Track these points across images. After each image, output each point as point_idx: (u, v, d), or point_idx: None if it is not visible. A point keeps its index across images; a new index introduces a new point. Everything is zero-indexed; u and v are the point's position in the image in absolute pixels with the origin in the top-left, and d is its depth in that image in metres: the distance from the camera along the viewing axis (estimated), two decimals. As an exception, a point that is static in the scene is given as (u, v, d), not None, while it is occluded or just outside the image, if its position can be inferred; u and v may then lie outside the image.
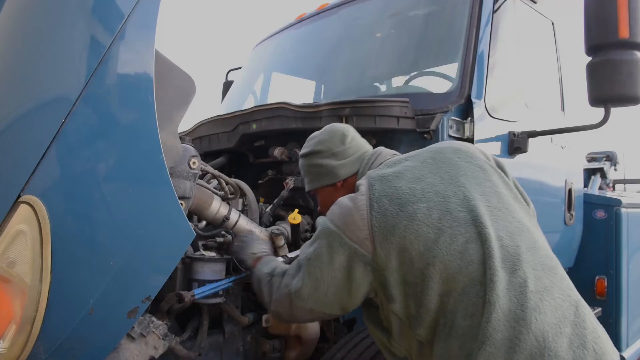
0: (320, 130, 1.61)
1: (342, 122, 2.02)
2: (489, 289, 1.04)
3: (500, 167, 1.36)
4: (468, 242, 1.11)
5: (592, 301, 3.06)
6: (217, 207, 1.76)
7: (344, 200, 1.28)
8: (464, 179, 1.23)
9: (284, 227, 1.95)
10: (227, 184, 1.88)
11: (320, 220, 1.31)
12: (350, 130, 1.59)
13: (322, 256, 1.24)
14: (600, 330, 1.07)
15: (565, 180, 2.74)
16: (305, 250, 1.33)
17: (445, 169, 1.26)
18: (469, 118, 2.04)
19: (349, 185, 1.50)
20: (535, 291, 1.04)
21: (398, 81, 2.63)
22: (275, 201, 2.09)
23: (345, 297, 1.25)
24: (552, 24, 2.79)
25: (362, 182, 1.29)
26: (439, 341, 1.10)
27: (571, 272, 3.05)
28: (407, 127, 1.97)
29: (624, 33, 1.78)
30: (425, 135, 1.96)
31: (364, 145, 1.58)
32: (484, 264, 1.07)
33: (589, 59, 1.89)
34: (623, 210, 3.12)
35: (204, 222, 1.91)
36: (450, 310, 1.09)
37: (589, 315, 1.08)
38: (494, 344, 1.00)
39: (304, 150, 1.62)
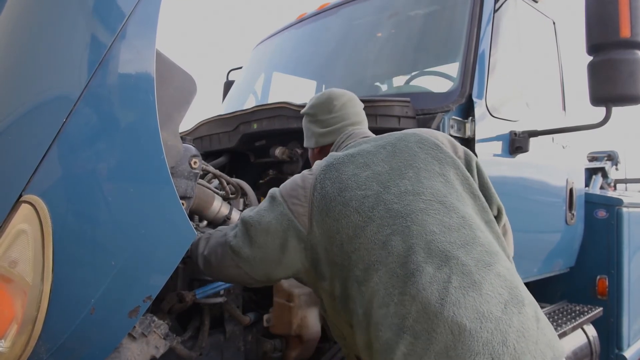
0: (320, 93, 1.65)
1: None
2: (411, 283, 1.07)
3: (468, 161, 1.37)
4: (393, 234, 1.14)
5: (593, 301, 3.06)
6: (218, 206, 1.76)
7: (297, 176, 1.35)
8: (414, 172, 1.25)
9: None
10: (228, 183, 1.88)
11: (271, 189, 1.37)
12: (341, 99, 1.60)
13: (262, 219, 1.30)
14: (529, 331, 1.03)
15: (567, 180, 2.74)
16: (249, 211, 1.37)
17: (400, 157, 1.29)
18: (470, 117, 2.04)
19: (325, 153, 1.56)
20: (459, 287, 1.05)
21: (399, 81, 2.63)
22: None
23: (274, 266, 1.30)
24: (554, 23, 2.79)
25: (318, 162, 1.36)
26: (358, 329, 1.15)
27: (572, 272, 3.05)
28: (408, 126, 1.97)
29: (625, 32, 1.77)
30: (426, 135, 1.96)
31: (350, 116, 1.58)
32: (406, 258, 1.10)
33: (590, 58, 1.89)
34: (624, 209, 3.12)
35: (205, 222, 1.91)
36: (368, 300, 1.13)
37: (525, 314, 1.06)
38: (414, 335, 1.03)
39: (303, 109, 1.68)
